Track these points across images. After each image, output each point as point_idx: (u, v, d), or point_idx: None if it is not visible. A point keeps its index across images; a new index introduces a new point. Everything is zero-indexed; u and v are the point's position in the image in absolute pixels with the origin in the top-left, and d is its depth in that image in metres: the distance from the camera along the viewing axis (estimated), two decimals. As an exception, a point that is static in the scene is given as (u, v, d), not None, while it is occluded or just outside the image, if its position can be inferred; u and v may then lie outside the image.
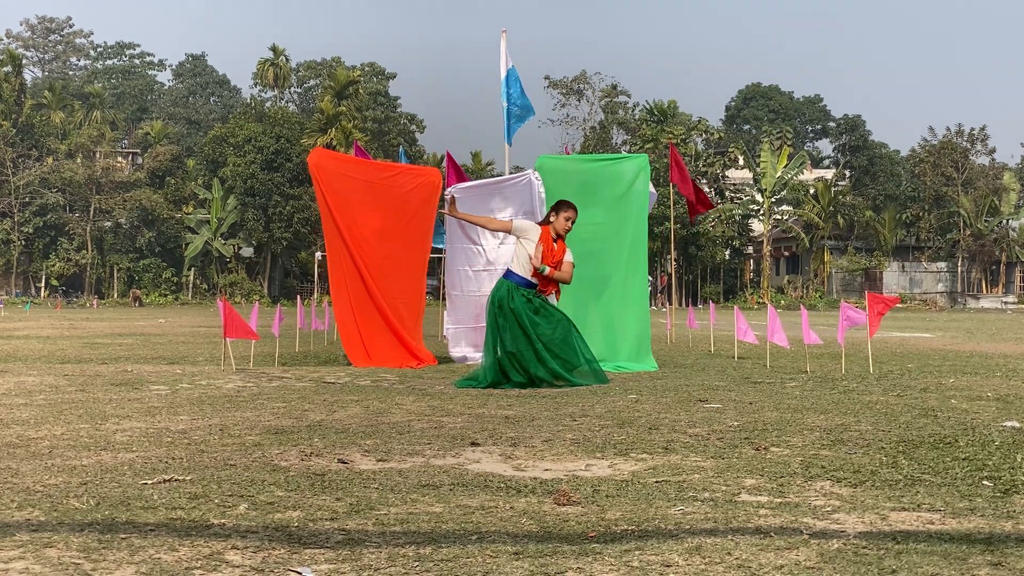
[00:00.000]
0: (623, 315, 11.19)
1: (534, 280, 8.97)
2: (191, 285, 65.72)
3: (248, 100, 79.78)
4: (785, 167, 65.07)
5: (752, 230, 69.84)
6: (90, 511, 3.60)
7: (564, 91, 73.20)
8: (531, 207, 11.21)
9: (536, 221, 11.16)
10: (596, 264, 11.15)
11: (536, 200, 11.17)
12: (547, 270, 8.95)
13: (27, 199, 62.77)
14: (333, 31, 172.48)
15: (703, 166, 64.78)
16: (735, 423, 6.10)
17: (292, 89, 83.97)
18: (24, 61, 76.42)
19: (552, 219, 9.15)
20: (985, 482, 4.26)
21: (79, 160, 64.88)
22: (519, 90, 13.32)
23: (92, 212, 64.11)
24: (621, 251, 11.25)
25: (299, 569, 2.93)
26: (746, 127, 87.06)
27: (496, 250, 11.67)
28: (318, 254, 57.40)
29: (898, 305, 13.40)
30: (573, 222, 9.16)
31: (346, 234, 11.28)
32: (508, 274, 9.09)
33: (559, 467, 4.65)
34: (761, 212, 67.03)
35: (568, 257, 9.15)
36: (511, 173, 12.86)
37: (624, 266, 11.27)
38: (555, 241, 9.07)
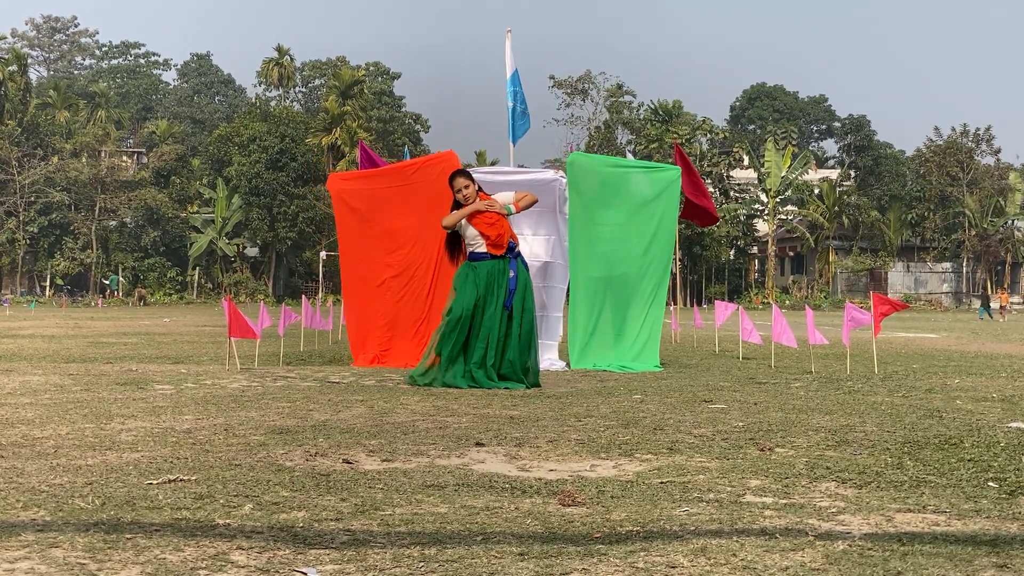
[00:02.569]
0: (637, 316, 11.15)
1: (493, 250, 8.80)
2: (196, 284, 65.81)
3: (253, 99, 79.87)
4: (790, 167, 65.09)
5: (757, 230, 69.87)
6: (95, 511, 3.60)
7: (569, 91, 73.21)
8: (553, 205, 11.26)
9: (559, 216, 11.20)
10: (613, 263, 11.15)
11: (559, 199, 11.21)
12: (512, 209, 8.89)
13: (32, 198, 62.89)
14: (338, 31, 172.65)
15: (708, 166, 64.79)
16: (740, 424, 6.10)
17: (297, 88, 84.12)
18: (29, 60, 76.46)
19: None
20: (991, 483, 4.25)
21: (84, 159, 65.00)
22: (522, 93, 13.25)
23: (97, 211, 64.23)
24: (642, 252, 11.19)
25: (304, 569, 2.93)
26: (751, 127, 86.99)
27: (529, 242, 11.52)
28: (323, 254, 57.61)
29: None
30: (467, 187, 8.94)
31: (382, 240, 11.18)
32: (474, 256, 8.91)
33: (564, 467, 4.64)
34: (766, 212, 67.05)
35: (506, 197, 9.00)
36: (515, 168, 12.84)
37: (643, 267, 11.20)
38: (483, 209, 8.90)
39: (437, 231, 11.15)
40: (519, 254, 9.07)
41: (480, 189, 9.13)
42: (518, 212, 9.10)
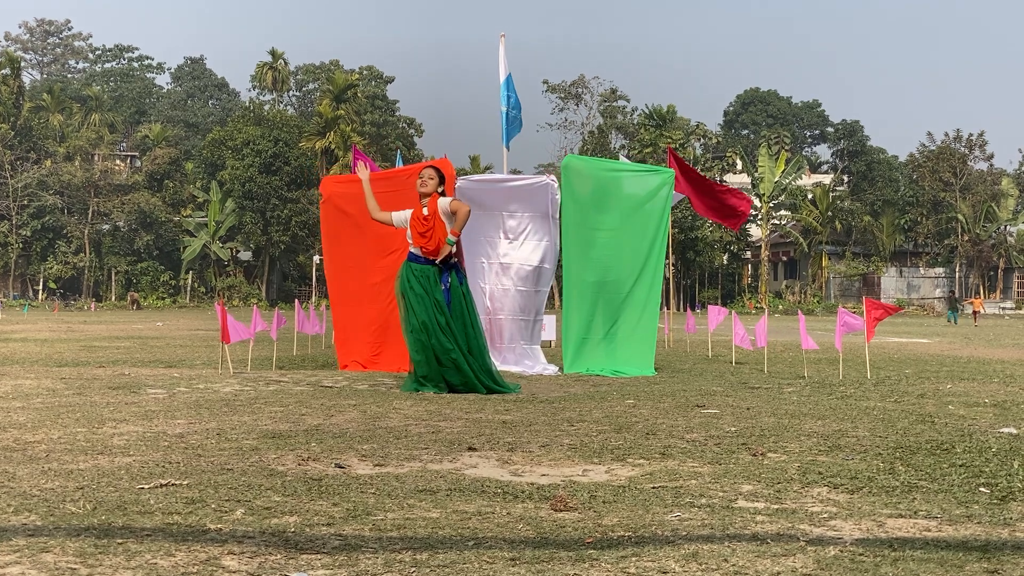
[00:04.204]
0: (629, 321, 11.11)
1: (430, 256, 8.67)
2: (189, 288, 65.70)
3: (246, 103, 79.74)
4: (783, 172, 65.17)
5: (750, 235, 69.92)
6: (87, 516, 3.59)
7: (562, 95, 73.28)
8: (546, 210, 11.22)
9: (551, 221, 11.08)
10: (606, 269, 11.10)
11: (551, 204, 11.18)
12: (454, 240, 8.69)
13: (25, 201, 62.77)
14: (331, 34, 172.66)
15: (701, 170, 64.81)
16: (732, 429, 6.10)
17: (290, 92, 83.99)
18: (23, 64, 76.40)
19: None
20: (982, 489, 4.26)
21: (77, 163, 64.89)
22: (516, 97, 13.22)
23: (90, 215, 64.12)
24: (635, 258, 11.14)
25: (296, 574, 2.92)
26: (744, 132, 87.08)
27: (508, 247, 11.46)
28: (316, 258, 57.54)
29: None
30: (432, 179, 8.80)
31: (376, 243, 11.16)
32: (411, 256, 8.80)
33: (556, 472, 4.64)
34: (759, 217, 67.10)
35: (445, 205, 8.73)
36: (509, 174, 12.87)
37: (636, 273, 11.16)
38: (424, 208, 8.75)
39: None
40: (456, 265, 8.88)
41: (441, 189, 8.87)
42: (456, 237, 8.77)
